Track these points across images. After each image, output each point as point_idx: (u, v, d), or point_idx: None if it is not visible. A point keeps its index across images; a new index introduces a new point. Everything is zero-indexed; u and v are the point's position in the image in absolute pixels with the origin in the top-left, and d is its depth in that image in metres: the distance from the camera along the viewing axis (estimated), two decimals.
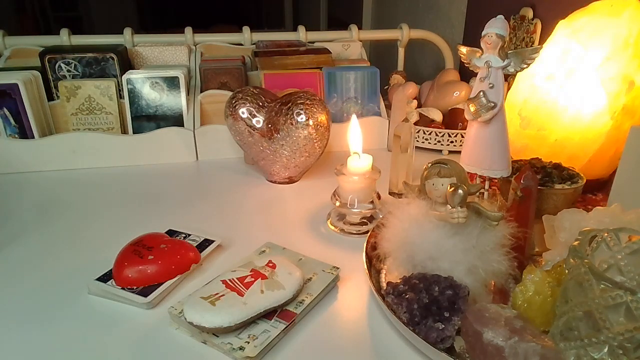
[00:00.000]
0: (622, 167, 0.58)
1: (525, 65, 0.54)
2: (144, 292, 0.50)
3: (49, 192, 0.77)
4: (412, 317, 0.44)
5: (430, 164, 0.49)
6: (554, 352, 0.37)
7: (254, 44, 1.12)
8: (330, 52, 1.01)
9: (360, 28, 1.17)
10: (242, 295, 0.47)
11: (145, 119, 0.90)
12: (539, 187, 0.53)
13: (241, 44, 1.13)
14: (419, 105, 0.97)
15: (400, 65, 1.23)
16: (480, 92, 0.55)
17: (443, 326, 0.43)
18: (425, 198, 0.49)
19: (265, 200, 0.75)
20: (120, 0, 3.85)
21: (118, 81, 0.91)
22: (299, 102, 0.73)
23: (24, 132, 0.85)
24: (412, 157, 0.74)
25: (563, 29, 0.70)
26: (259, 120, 0.75)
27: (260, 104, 0.76)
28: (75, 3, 3.77)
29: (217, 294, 0.47)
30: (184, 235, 0.61)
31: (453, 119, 0.92)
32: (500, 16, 0.54)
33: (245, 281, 0.49)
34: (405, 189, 0.53)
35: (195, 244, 0.59)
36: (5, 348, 0.45)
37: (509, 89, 0.79)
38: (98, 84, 0.88)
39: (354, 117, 0.65)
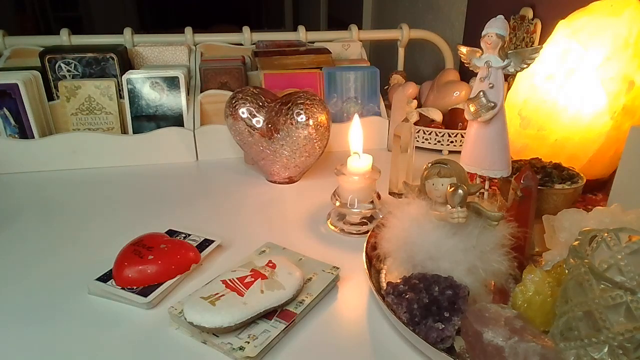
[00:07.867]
0: (622, 167, 0.58)
1: (525, 65, 0.54)
2: (144, 292, 0.50)
3: (49, 192, 0.77)
4: (412, 317, 0.44)
5: (430, 164, 0.49)
6: (554, 352, 0.37)
7: (254, 44, 1.12)
8: (330, 52, 1.01)
9: (360, 28, 1.17)
10: (242, 295, 0.47)
11: (145, 119, 0.90)
12: (539, 187, 0.53)
13: (241, 44, 1.13)
14: (419, 105, 0.97)
15: (400, 65, 1.23)
16: (480, 92, 0.55)
17: (443, 326, 0.43)
18: (425, 198, 0.49)
19: (265, 200, 0.75)
20: (121, 0, 3.85)
21: (118, 81, 0.91)
22: (299, 102, 0.73)
23: (24, 132, 0.85)
24: (412, 157, 0.74)
25: (563, 29, 0.70)
26: (259, 120, 0.75)
27: (260, 104, 0.76)
28: (75, 3, 3.77)
29: (217, 294, 0.47)
30: (184, 235, 0.61)
31: (453, 119, 0.92)
32: (500, 16, 0.54)
33: (245, 281, 0.49)
34: (405, 189, 0.53)
35: (195, 244, 0.59)
36: (5, 347, 0.45)
37: (509, 89, 0.79)
38: (98, 84, 0.88)
39: (356, 116, 0.65)
